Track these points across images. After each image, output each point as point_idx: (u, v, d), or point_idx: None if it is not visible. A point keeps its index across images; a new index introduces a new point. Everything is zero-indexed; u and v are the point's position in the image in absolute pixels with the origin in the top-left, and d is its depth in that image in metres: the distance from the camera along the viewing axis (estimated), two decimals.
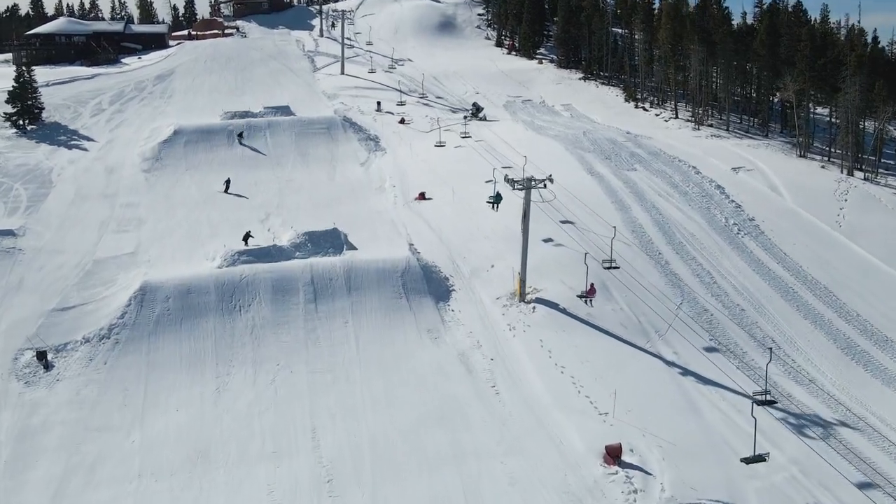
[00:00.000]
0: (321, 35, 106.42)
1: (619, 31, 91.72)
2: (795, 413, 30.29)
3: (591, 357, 32.81)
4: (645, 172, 52.17)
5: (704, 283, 39.40)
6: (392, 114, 69.69)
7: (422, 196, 49.81)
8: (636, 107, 74.94)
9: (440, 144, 57.98)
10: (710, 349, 33.92)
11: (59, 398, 30.84)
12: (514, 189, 35.83)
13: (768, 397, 27.00)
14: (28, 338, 34.20)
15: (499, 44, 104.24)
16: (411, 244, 42.92)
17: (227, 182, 51.32)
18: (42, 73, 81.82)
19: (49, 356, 33.13)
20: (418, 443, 28.03)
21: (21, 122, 65.90)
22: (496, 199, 44.48)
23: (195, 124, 62.45)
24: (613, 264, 34.15)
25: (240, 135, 59.77)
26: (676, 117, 71.16)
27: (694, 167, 53.09)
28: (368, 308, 36.74)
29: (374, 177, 55.48)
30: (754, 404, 25.08)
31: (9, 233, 44.64)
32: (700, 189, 49.60)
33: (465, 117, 68.58)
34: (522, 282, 37.20)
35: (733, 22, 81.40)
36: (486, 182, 49.99)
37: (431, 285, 38.66)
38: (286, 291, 37.25)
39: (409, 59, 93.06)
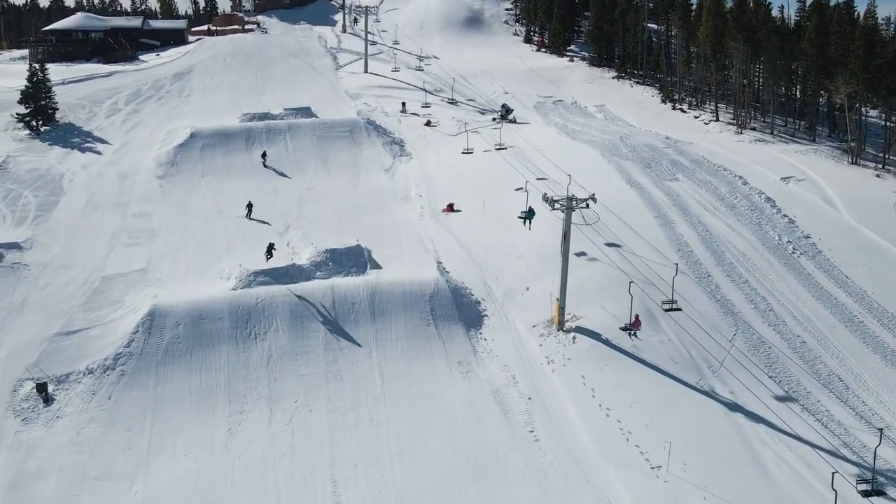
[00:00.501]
0: (344, 31, 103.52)
1: (655, 27, 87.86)
2: (871, 468, 26.96)
3: (640, 398, 29.70)
4: (688, 183, 48.75)
5: (759, 310, 36.06)
6: (417, 115, 66.77)
7: (450, 207, 46.81)
8: (673, 108, 71.27)
9: (468, 151, 54.82)
10: (769, 389, 30.61)
11: (59, 439, 28.27)
12: (553, 209, 32.70)
13: (877, 486, 23.73)
14: (28, 367, 31.70)
15: (527, 40, 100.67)
16: (439, 262, 39.99)
17: (250, 207, 47.08)
18: (58, 71, 79.73)
19: (50, 388, 30.62)
20: (450, 500, 25.14)
21: (34, 124, 63.82)
22: (529, 215, 41.30)
23: (213, 127, 59.92)
24: (675, 306, 30.85)
25: (263, 155, 55.63)
26: (717, 120, 67.44)
27: (740, 177, 49.57)
28: (394, 336, 33.89)
29: (399, 185, 52.57)
30: (834, 476, 21.86)
31: (14, 246, 42.32)
32: (749, 202, 46.11)
33: (494, 119, 65.60)
34: (561, 309, 34.13)
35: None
36: (516, 190, 47.00)
37: (462, 310, 35.72)
38: (305, 317, 34.50)
39: (435, 57, 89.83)
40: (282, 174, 54.02)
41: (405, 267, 39.37)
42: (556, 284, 34.77)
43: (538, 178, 45.19)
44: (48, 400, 30.18)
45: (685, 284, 36.64)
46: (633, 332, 32.76)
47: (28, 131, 63.23)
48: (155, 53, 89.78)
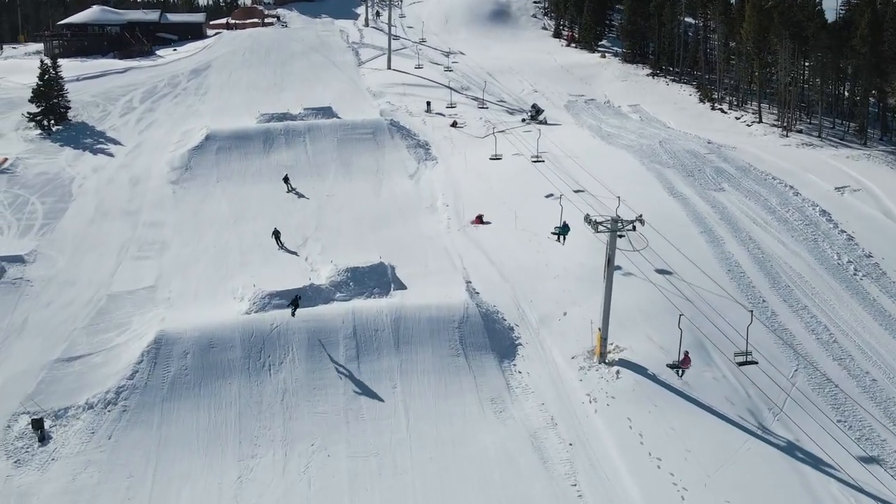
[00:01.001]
0: (366, 25, 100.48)
1: (692, 21, 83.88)
2: None
3: (694, 446, 26.61)
4: (735, 193, 45.32)
5: (822, 341, 32.73)
6: (443, 115, 63.75)
7: (479, 219, 43.78)
8: (713, 108, 67.60)
9: (496, 157, 51.59)
10: (838, 437, 27.35)
11: (53, 486, 25.75)
12: (596, 232, 29.60)
13: None
14: (23, 400, 29.25)
15: (556, 35, 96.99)
16: (468, 282, 37.04)
17: (277, 235, 41.94)
18: (73, 67, 77.89)
19: (46, 425, 28.11)
20: None
21: (46, 123, 61.63)
22: (562, 231, 38.35)
23: (229, 129, 57.26)
24: (750, 358, 27.50)
25: (285, 179, 49.61)
26: (760, 121, 63.70)
27: (791, 187, 46.04)
28: (420, 369, 31.01)
29: (424, 192, 49.60)
30: None
31: (17, 259, 39.97)
32: (802, 215, 42.64)
33: (524, 120, 62.46)
34: (603, 340, 31.06)
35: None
36: (547, 197, 44.19)
37: (494, 339, 32.74)
38: (324, 345, 31.70)
39: (461, 52, 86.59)
40: (301, 195, 51.06)
41: (432, 287, 36.47)
42: (595, 309, 31.89)
43: (575, 191, 42.04)
44: (44, 438, 27.69)
45: (737, 312, 33.42)
46: (680, 371, 29.58)
47: (39, 131, 61.11)
48: (172, 48, 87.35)
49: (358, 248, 41.25)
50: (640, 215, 30.01)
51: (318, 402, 29.26)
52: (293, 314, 32.82)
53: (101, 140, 60.05)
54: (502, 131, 58.12)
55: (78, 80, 74.12)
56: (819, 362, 31.25)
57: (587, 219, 29.74)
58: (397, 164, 54.01)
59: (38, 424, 27.98)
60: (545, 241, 39.71)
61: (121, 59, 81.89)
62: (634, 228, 29.85)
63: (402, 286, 36.57)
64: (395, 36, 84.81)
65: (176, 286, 37.94)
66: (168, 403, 29.00)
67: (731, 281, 36.03)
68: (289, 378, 30.26)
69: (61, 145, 59.02)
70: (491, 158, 51.64)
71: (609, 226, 29.52)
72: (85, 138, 60.46)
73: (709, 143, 54.29)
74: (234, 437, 27.70)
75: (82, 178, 52.26)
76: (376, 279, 36.37)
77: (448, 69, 76.80)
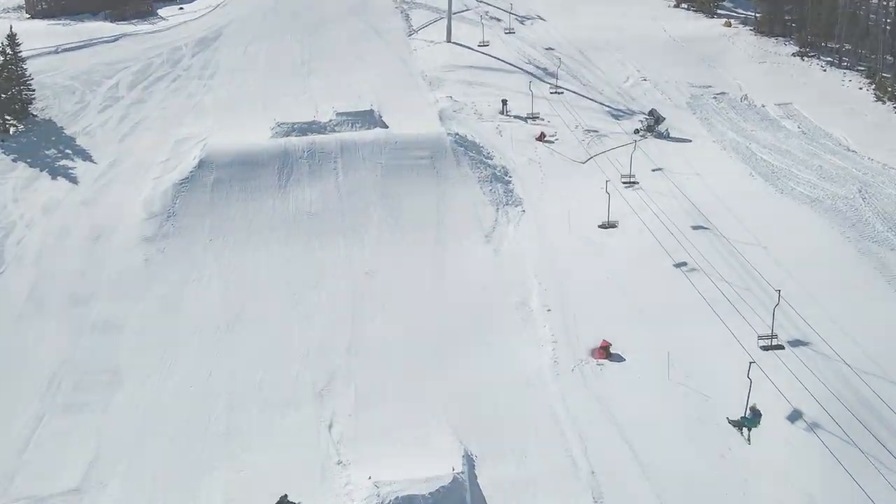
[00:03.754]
0: None
1: None
2: None
3: None
4: None
5: None
6: (524, 120, 46.93)
7: (605, 351, 27.59)
8: None
9: (610, 226, 34.87)
10: None
11: None
12: None
13: None
14: None
15: None
16: None
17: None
18: (54, 33, 62.58)
19: None
20: None
21: (2, 123, 46.57)
22: (749, 423, 22.59)
23: (233, 148, 41.35)
24: None
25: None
26: None
27: None
28: None
29: (508, 273, 33.43)
30: None
31: None
32: None
33: (637, 131, 45.45)
34: None
35: None
36: (677, 266, 28.94)
37: None
38: None
39: (540, 17, 68.13)
40: (324, 252, 35.11)
41: None
42: None
43: (772, 344, 25.51)
44: None
45: None
46: None
47: None
48: (178, 6, 70.64)
49: (413, 405, 26.05)
50: None
51: None
52: None
53: (67, 152, 44.80)
54: (606, 149, 41.58)
55: (57, 51, 58.76)
56: None
57: None
58: (467, 212, 37.86)
59: None
60: (725, 425, 23.66)
61: (113, 21, 65.52)
62: None
63: None
64: None
65: (115, 490, 22.98)
66: None
67: None
68: None
69: (14, 160, 43.92)
70: (601, 227, 34.94)
71: None
72: (48, 148, 45.26)
73: None
74: None
75: (25, 226, 37.28)
76: None
77: (557, 89, 51.08)
